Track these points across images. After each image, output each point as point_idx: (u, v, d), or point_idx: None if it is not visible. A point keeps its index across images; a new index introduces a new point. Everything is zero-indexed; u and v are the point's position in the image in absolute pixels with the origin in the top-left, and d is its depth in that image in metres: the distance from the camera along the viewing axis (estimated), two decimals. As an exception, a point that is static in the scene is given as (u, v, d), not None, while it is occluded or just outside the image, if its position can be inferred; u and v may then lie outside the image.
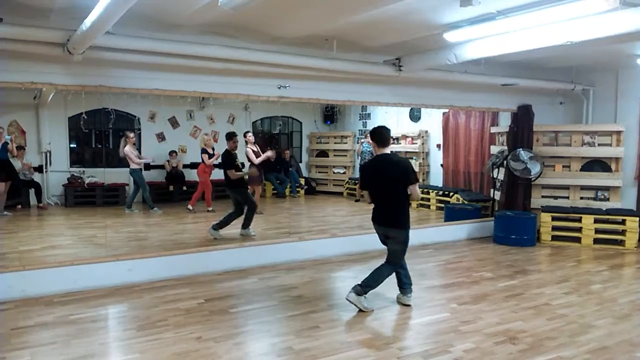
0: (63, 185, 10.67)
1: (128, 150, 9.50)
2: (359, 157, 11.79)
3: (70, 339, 3.87)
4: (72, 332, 4.01)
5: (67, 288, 4.99)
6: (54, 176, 10.72)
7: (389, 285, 5.27)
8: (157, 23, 5.12)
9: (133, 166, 9.56)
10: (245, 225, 7.45)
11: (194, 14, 4.79)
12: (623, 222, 7.19)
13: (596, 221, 7.28)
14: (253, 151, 8.83)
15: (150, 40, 5.18)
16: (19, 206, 9.89)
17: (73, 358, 3.55)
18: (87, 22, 4.12)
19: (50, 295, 4.85)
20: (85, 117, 9.74)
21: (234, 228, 8.04)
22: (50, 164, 10.68)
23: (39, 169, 10.52)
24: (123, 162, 10.10)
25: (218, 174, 9.46)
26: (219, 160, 8.27)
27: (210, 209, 9.70)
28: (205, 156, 9.84)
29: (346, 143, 13.27)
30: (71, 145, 11.25)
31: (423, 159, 11.32)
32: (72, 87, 5.47)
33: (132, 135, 9.83)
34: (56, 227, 8.87)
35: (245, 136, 8.91)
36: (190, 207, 9.74)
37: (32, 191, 10.21)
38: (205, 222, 8.84)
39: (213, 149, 9.97)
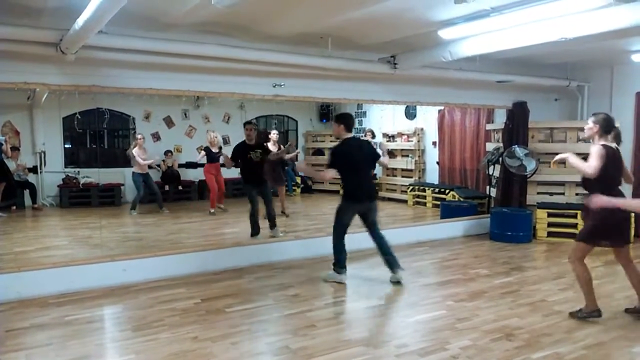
0: (58, 186, 10.64)
1: (135, 152, 9.31)
2: None
3: (66, 340, 3.86)
4: (68, 333, 4.00)
5: (63, 289, 4.96)
6: (48, 177, 10.69)
7: (384, 283, 5.28)
8: (150, 22, 5.09)
9: (135, 169, 9.39)
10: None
11: (188, 13, 4.76)
12: (618, 218, 7.21)
13: (592, 217, 7.29)
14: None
15: (143, 39, 5.16)
16: (14, 207, 9.85)
17: (69, 359, 3.53)
18: (80, 21, 4.09)
19: (45, 297, 4.82)
20: (80, 117, 9.73)
21: (230, 227, 8.04)
22: (44, 164, 10.65)
23: (34, 170, 10.49)
24: (118, 162, 10.10)
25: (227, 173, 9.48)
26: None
27: (212, 210, 9.50)
28: (202, 153, 9.80)
29: (342, 141, 13.22)
30: (66, 146, 11.21)
31: (419, 156, 11.34)
32: (66, 87, 5.44)
33: (139, 136, 9.62)
34: (51, 228, 8.83)
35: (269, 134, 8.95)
36: (211, 210, 9.51)
37: (26, 192, 10.18)
38: (200, 222, 8.83)
39: (220, 149, 9.86)
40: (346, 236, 7.04)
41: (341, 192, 5.62)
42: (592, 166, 4.02)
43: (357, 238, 6.92)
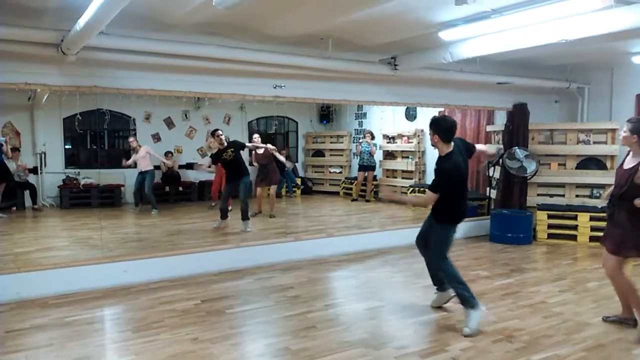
0: (58, 187, 10.63)
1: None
2: (358, 157, 11.79)
3: (66, 341, 3.86)
4: (68, 334, 4.00)
5: (63, 290, 4.96)
6: (49, 178, 10.68)
7: (385, 284, 5.28)
8: (151, 23, 5.10)
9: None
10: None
11: (188, 14, 4.77)
12: (619, 220, 7.21)
13: (592, 219, 7.30)
14: (257, 154, 9.01)
15: (144, 40, 5.17)
16: (14, 208, 9.84)
17: (68, 360, 3.53)
18: (81, 22, 4.10)
19: (45, 297, 4.82)
20: (80, 118, 9.72)
21: (231, 229, 8.04)
22: (45, 165, 10.64)
23: (34, 171, 10.47)
24: (119, 163, 10.13)
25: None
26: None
27: (212, 204, 9.97)
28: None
29: (342, 142, 13.25)
30: (66, 147, 11.20)
31: (419, 157, 11.33)
32: (67, 88, 5.45)
33: (131, 139, 10.08)
34: (51, 228, 8.83)
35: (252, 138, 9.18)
36: (212, 203, 10.02)
37: (27, 193, 10.17)
38: (200, 223, 8.83)
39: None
40: (346, 237, 7.12)
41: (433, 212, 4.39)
42: None
43: (355, 240, 6.98)
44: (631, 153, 3.93)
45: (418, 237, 4.55)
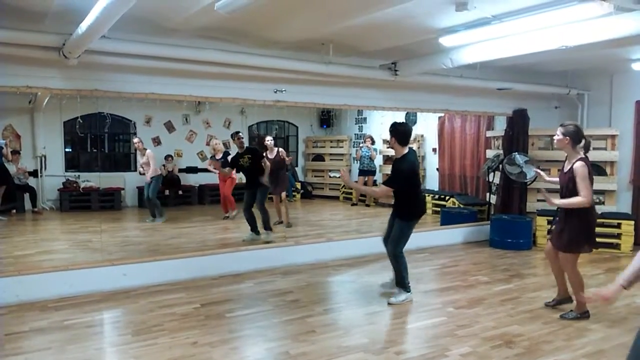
0: (58, 190, 10.64)
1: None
2: (358, 162, 11.80)
3: (65, 344, 3.85)
4: (67, 337, 3.99)
5: (62, 293, 4.96)
6: (49, 181, 10.71)
7: (384, 289, 5.27)
8: (153, 27, 5.12)
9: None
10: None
11: (190, 18, 4.78)
12: (618, 226, 7.21)
13: (592, 225, 7.29)
14: (268, 158, 8.47)
15: (146, 44, 5.19)
16: (14, 211, 9.85)
17: (68, 363, 3.53)
18: (83, 26, 4.11)
19: (45, 301, 4.81)
20: (81, 122, 9.75)
21: (231, 232, 8.04)
22: (45, 168, 10.66)
23: (34, 174, 10.49)
24: (119, 167, 10.12)
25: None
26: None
27: (226, 214, 9.57)
28: (209, 161, 9.80)
29: (342, 147, 13.27)
30: (66, 150, 11.23)
31: (419, 162, 11.34)
32: (68, 91, 5.48)
33: (136, 140, 9.34)
34: (51, 231, 8.82)
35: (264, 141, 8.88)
36: (226, 214, 9.58)
37: (27, 196, 10.18)
38: (200, 227, 8.83)
39: (226, 154, 9.66)
40: (346, 242, 7.12)
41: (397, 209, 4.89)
42: (587, 196, 4.12)
43: (354, 244, 6.98)
44: (568, 156, 4.35)
45: (385, 237, 5.04)
